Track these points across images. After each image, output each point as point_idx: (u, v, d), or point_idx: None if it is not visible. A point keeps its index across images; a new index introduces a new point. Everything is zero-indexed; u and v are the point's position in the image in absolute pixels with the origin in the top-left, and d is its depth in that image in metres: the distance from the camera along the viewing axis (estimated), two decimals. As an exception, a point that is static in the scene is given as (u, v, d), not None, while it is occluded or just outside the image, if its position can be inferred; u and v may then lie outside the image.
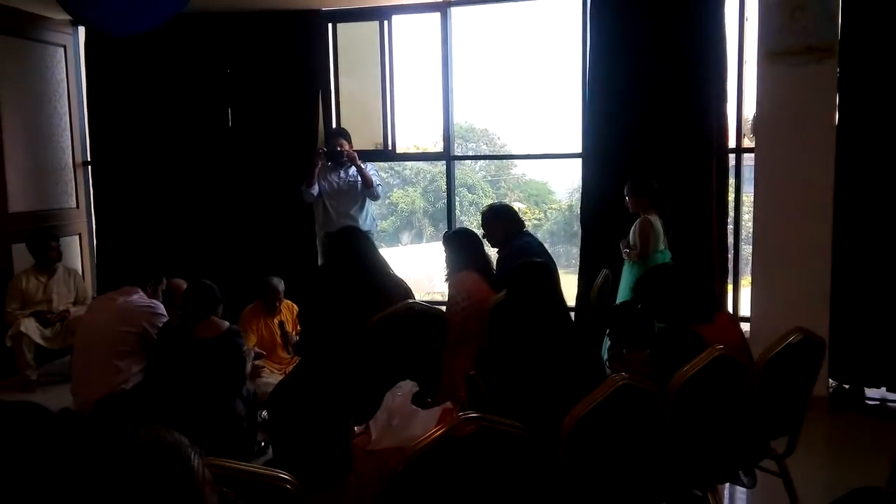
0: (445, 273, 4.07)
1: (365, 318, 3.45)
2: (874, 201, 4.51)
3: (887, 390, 4.67)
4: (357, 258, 3.65)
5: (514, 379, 2.51)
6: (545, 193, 11.22)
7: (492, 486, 2.15)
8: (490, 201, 8.77)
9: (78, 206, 6.31)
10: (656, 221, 4.49)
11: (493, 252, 4.39)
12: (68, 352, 4.84)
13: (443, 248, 4.07)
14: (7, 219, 5.56)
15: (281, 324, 4.73)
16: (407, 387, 2.41)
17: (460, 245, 3.97)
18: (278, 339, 4.72)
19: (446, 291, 3.95)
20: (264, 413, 3.89)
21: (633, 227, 4.55)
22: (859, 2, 4.44)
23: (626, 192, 4.62)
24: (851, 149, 4.49)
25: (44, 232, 5.48)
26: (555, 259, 4.45)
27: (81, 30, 6.18)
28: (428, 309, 3.66)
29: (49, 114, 5.99)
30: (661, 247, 4.52)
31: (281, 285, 4.75)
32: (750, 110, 4.91)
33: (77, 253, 6.28)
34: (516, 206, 8.25)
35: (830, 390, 4.64)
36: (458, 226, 5.97)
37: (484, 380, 2.53)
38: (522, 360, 2.55)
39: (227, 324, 3.67)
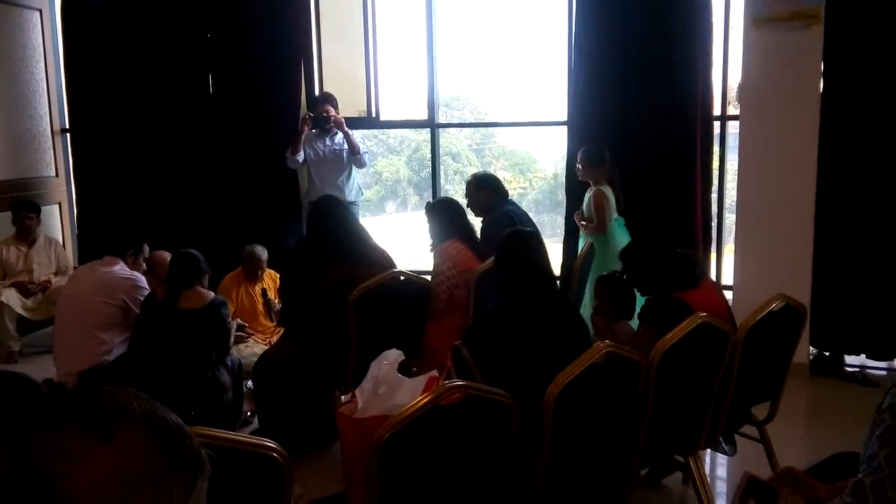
0: (430, 243, 4.06)
1: (347, 287, 3.45)
2: (858, 170, 4.53)
3: (867, 357, 4.74)
4: (338, 227, 3.63)
5: (501, 347, 2.52)
6: (530, 162, 11.18)
7: (478, 453, 2.17)
8: (475, 170, 8.73)
9: (57, 175, 6.22)
10: (609, 192, 4.58)
11: (476, 221, 4.40)
12: (50, 322, 4.80)
13: (426, 219, 4.06)
14: (-16, 188, 5.48)
15: (264, 291, 4.71)
16: (393, 356, 2.41)
17: (443, 215, 3.97)
18: (260, 307, 4.71)
19: (431, 261, 3.95)
20: (250, 383, 3.89)
21: (586, 199, 4.64)
22: (846, -33, 4.42)
23: (578, 161, 4.70)
24: (836, 116, 4.49)
25: (21, 202, 5.39)
26: (539, 228, 4.47)
27: (58, -7, 6.05)
28: (413, 278, 3.66)
29: (26, 80, 5.87)
30: (615, 215, 4.63)
31: (264, 254, 4.72)
32: (736, 78, 4.90)
33: (57, 222, 6.20)
34: (501, 175, 8.23)
35: (811, 357, 4.71)
36: (442, 194, 5.94)
37: (471, 349, 2.54)
38: (510, 329, 2.56)
39: (212, 294, 3.66)
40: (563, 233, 5.35)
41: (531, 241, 2.80)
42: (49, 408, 0.80)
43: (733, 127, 4.99)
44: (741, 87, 4.67)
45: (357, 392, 2.40)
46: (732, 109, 5.07)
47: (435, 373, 2.47)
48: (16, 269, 5.28)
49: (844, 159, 4.53)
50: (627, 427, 2.50)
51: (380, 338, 3.19)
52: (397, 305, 3.53)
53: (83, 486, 0.75)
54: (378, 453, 1.88)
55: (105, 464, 0.76)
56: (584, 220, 4.66)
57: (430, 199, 4.50)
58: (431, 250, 4.04)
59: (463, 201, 4.41)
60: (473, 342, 2.58)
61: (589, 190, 4.74)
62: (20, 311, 5.15)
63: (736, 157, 4.76)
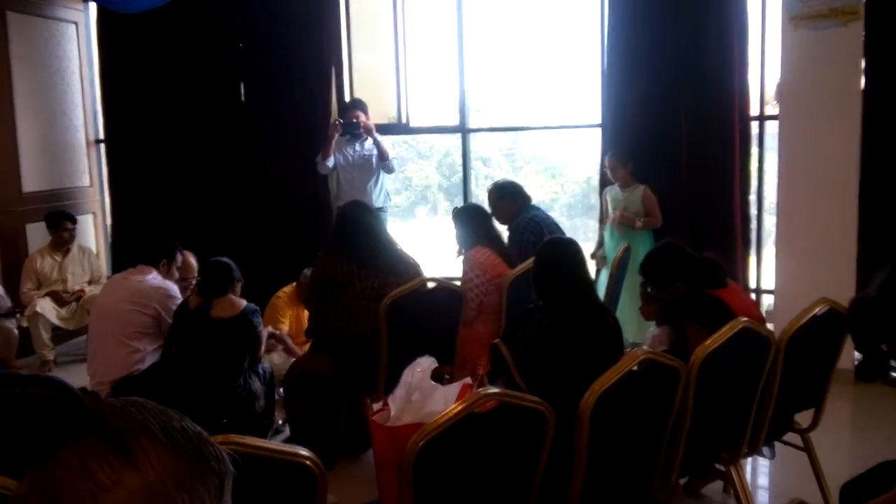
0: (457, 250, 4.03)
1: (376, 294, 3.43)
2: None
3: (913, 362, 4.61)
4: (366, 235, 3.59)
5: (540, 348, 2.53)
6: (561, 166, 11.08)
7: (513, 461, 2.13)
8: (505, 175, 8.68)
9: (91, 185, 6.30)
10: None
11: (503, 228, 4.39)
12: (84, 331, 4.85)
13: (452, 225, 4.04)
14: (21, 198, 5.56)
15: None
16: (426, 363, 2.37)
17: (469, 220, 3.96)
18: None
19: (459, 268, 3.92)
20: (281, 391, 3.89)
21: (631, 199, 4.80)
22: (886, -38, 4.32)
23: (615, 165, 4.83)
24: (878, 114, 4.39)
25: (62, 213, 5.45)
26: (573, 232, 4.44)
27: (93, 6, 6.13)
28: (445, 284, 3.62)
29: (62, 91, 5.96)
30: None
31: None
32: (773, 77, 4.81)
33: (91, 232, 6.28)
34: (532, 179, 8.18)
35: (856, 363, 4.58)
36: (473, 199, 5.93)
37: (510, 347, 2.58)
38: (550, 331, 2.55)
39: (244, 302, 3.65)
40: (595, 236, 5.30)
41: (569, 248, 2.84)
42: (63, 429, 0.78)
43: (771, 127, 4.90)
44: (780, 87, 4.58)
45: (390, 399, 2.37)
46: (770, 109, 4.97)
47: (468, 380, 2.44)
48: (50, 278, 5.34)
49: (888, 158, 4.42)
50: (666, 435, 2.44)
51: (411, 344, 3.16)
52: (429, 312, 3.50)
53: None
54: (412, 461, 1.86)
55: (133, 484, 0.74)
56: (635, 217, 4.77)
57: (455, 207, 4.48)
58: (458, 256, 4.00)
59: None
60: (512, 340, 2.59)
61: (620, 189, 4.87)
62: (54, 320, 5.20)
63: (774, 157, 4.67)
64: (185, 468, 0.77)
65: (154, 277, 3.94)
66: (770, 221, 5.11)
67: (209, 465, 0.80)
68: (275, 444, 1.85)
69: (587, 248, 4.94)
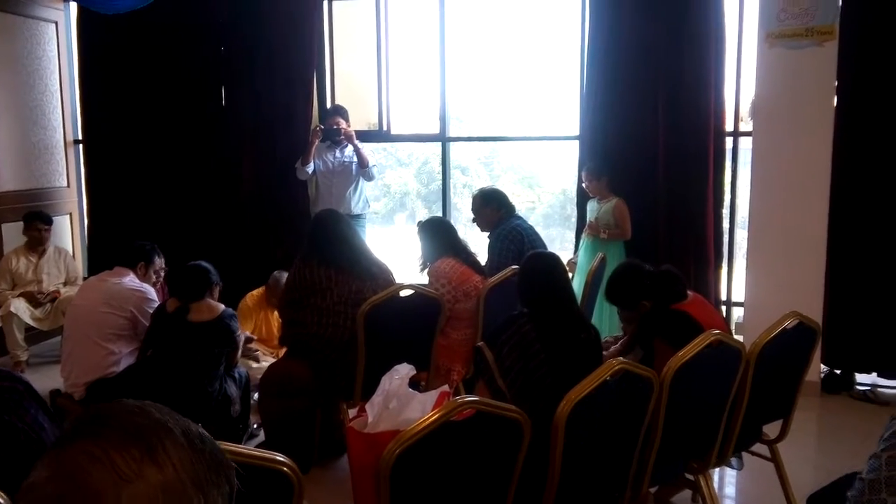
0: (420, 262, 4.03)
1: (354, 301, 3.44)
2: (872, 187, 4.51)
3: (878, 376, 4.70)
4: (341, 243, 3.60)
5: (523, 358, 2.56)
6: (538, 176, 11.14)
7: (489, 469, 2.16)
8: (483, 183, 8.74)
9: (69, 185, 6.24)
10: None
11: (483, 236, 4.42)
12: (59, 333, 4.80)
13: (417, 238, 4.05)
14: (-3, 198, 5.50)
15: None
16: (404, 370, 2.40)
17: (432, 233, 3.96)
18: (276, 331, 4.66)
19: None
20: (256, 395, 3.88)
21: (604, 210, 4.88)
22: (860, -17, 4.41)
23: (589, 178, 4.92)
24: (850, 133, 4.47)
25: (36, 214, 5.37)
26: (549, 242, 4.49)
27: (73, 6, 6.09)
28: (422, 291, 3.65)
29: (40, 91, 5.90)
30: None
31: None
32: (748, 94, 4.89)
33: (68, 232, 6.22)
34: (510, 189, 8.21)
35: (822, 375, 4.67)
36: (451, 207, 5.96)
37: (493, 351, 2.62)
38: (534, 342, 2.59)
39: (222, 306, 3.64)
40: (572, 247, 5.35)
41: (551, 260, 2.91)
42: (81, 422, 0.79)
43: (745, 143, 4.98)
44: (754, 103, 4.66)
45: (367, 406, 2.39)
46: (744, 125, 5.06)
47: (446, 388, 2.47)
48: (25, 278, 5.27)
49: (858, 175, 4.51)
50: (638, 444, 2.48)
51: (388, 351, 3.19)
52: (406, 319, 3.52)
53: (132, 502, 0.74)
54: (389, 469, 1.87)
55: (153, 479, 0.75)
56: (603, 228, 4.82)
57: (427, 216, 4.49)
58: (422, 270, 4.00)
59: (470, 216, 4.43)
60: (496, 343, 2.65)
61: (597, 201, 4.95)
62: (29, 320, 5.13)
63: (747, 173, 4.74)
64: (203, 472, 0.79)
65: (131, 280, 3.92)
66: (741, 235, 5.19)
67: (223, 472, 0.82)
68: (252, 449, 1.85)
69: (564, 256, 5.01)
